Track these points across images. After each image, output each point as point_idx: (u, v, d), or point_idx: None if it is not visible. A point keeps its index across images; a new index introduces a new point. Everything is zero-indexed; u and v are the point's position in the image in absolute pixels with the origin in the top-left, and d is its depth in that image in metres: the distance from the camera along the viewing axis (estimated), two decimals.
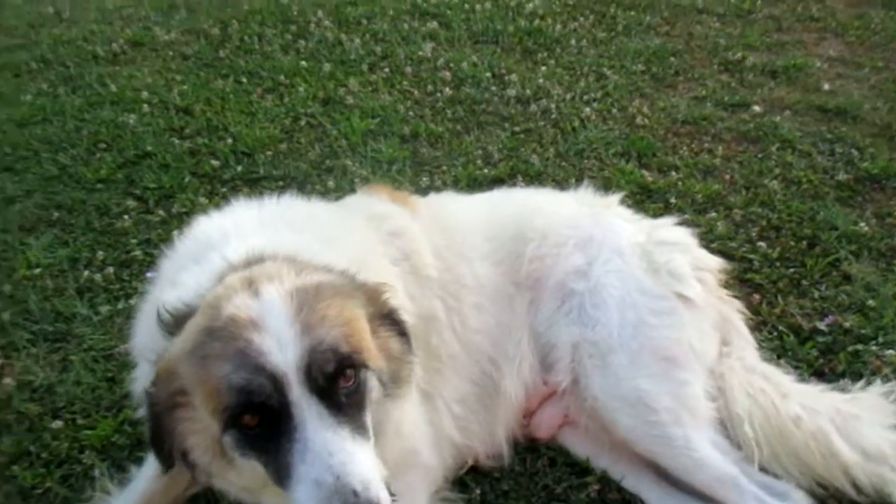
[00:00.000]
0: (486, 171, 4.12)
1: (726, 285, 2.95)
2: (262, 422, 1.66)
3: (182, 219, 3.72)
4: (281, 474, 1.66)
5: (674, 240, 2.81)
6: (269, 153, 4.25)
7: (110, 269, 3.40)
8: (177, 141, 4.34)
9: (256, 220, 2.24)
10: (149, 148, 4.25)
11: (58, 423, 2.68)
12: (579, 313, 2.60)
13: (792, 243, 3.65)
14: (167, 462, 1.87)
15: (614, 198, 3.03)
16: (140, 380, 2.16)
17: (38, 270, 3.40)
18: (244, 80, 5.03)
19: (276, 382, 1.63)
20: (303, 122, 4.57)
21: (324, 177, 4.06)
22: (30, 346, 3.04)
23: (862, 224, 3.78)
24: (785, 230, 3.74)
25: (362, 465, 1.63)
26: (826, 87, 5.12)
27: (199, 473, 1.88)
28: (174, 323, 1.84)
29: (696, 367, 2.54)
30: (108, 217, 3.75)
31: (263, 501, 2.02)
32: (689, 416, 2.44)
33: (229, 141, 4.31)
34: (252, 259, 1.92)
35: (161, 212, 3.79)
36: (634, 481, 2.53)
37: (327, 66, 5.21)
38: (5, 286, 3.33)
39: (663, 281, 2.64)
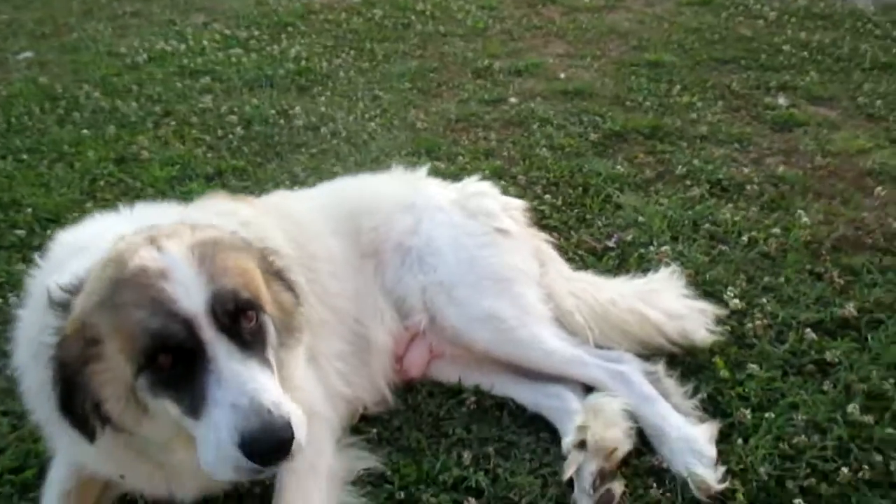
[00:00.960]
0: (297, 188, 4.39)
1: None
2: (175, 363, 1.85)
3: (1, 288, 3.59)
4: (196, 406, 1.84)
5: (481, 190, 3.32)
6: (76, 214, 4.19)
7: None
8: None
9: (124, 221, 2.36)
10: None
11: None
12: (420, 264, 3.00)
13: (570, 191, 4.32)
14: (84, 426, 1.94)
15: (422, 171, 3.47)
16: (31, 390, 2.19)
17: None
18: (25, 156, 4.88)
19: (188, 325, 1.83)
20: (101, 182, 4.55)
21: None
22: None
23: (619, 167, 4.57)
24: (562, 184, 4.41)
25: (272, 389, 1.87)
26: (562, 76, 6.04)
27: (114, 426, 1.96)
28: (70, 296, 1.94)
29: (526, 281, 3.03)
30: None
31: (171, 464, 2.14)
32: (531, 318, 2.91)
33: (28, 211, 4.19)
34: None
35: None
36: (500, 386, 2.94)
37: (111, 130, 5.21)
38: None
39: (481, 221, 3.13)
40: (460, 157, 4.70)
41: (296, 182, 4.49)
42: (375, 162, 4.70)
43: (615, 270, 3.56)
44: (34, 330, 2.08)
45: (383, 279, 3.01)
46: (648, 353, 2.96)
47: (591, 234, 3.93)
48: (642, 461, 2.59)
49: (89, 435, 1.96)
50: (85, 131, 5.17)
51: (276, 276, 2.19)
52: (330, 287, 2.86)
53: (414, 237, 3.05)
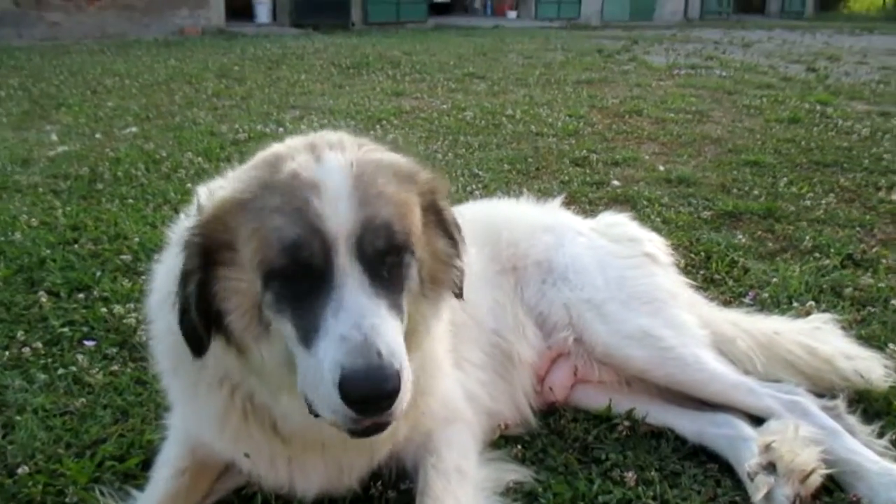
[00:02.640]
0: None
1: None
2: (303, 279, 1.65)
3: (108, 301, 3.44)
4: (308, 332, 1.63)
5: (621, 221, 3.14)
6: None
7: (38, 345, 3.03)
8: (76, 247, 4.08)
9: None
10: (46, 253, 3.95)
11: (24, 469, 2.28)
12: (564, 282, 2.78)
13: (692, 256, 4.11)
14: (198, 340, 1.76)
15: (556, 200, 3.32)
16: (158, 337, 2.02)
17: None
18: (131, 201, 4.89)
19: (325, 245, 1.64)
20: None
21: None
22: None
23: (739, 238, 4.36)
24: (682, 250, 4.19)
25: (392, 333, 1.63)
26: (661, 168, 5.98)
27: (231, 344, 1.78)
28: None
29: (679, 304, 2.79)
30: (18, 308, 3.37)
31: (279, 414, 1.94)
32: (692, 339, 2.65)
33: (136, 240, 4.13)
34: None
35: (81, 296, 3.49)
36: (658, 414, 2.62)
37: None
38: None
39: (627, 246, 2.94)
40: None
41: None
42: None
43: None
44: (168, 276, 1.92)
45: (523, 295, 2.78)
46: (817, 391, 2.64)
47: (721, 292, 3.67)
48: (835, 497, 2.21)
49: (199, 347, 1.77)
50: (189, 185, 5.20)
51: (439, 217, 1.94)
52: (469, 295, 2.65)
53: (556, 255, 2.83)
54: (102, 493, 2.19)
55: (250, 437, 1.97)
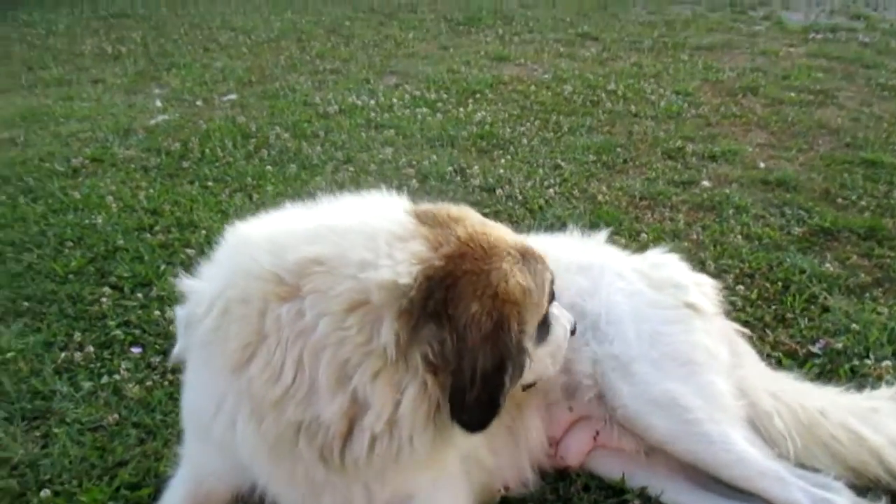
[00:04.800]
0: None
1: None
2: None
3: (163, 301, 3.60)
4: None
5: (668, 262, 2.91)
6: None
7: (90, 349, 3.21)
8: (148, 236, 4.27)
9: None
10: (119, 243, 4.15)
11: (46, 493, 2.43)
12: (594, 332, 2.59)
13: (767, 285, 3.79)
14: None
15: (600, 236, 3.12)
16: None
17: (10, 355, 3.18)
18: (211, 184, 5.05)
19: None
20: None
21: None
22: (6, 425, 2.79)
23: (828, 265, 3.98)
24: (758, 276, 3.89)
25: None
26: (762, 165, 5.52)
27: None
28: None
29: (717, 368, 2.56)
30: (83, 304, 3.58)
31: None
32: (722, 413, 2.43)
33: (203, 233, 4.27)
34: None
35: (139, 295, 3.66)
36: (674, 494, 2.47)
37: (292, 169, 5.31)
38: None
39: (669, 293, 2.71)
40: (643, 235, 4.29)
41: None
42: (550, 229, 4.41)
43: (818, 382, 2.98)
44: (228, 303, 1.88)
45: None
46: (860, 485, 2.39)
47: (790, 335, 3.38)
48: None
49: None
50: (269, 167, 5.30)
51: None
52: None
53: (590, 301, 2.65)
54: None
55: (293, 459, 1.93)
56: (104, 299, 3.58)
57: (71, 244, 4.14)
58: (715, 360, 2.59)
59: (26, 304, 3.57)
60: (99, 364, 3.15)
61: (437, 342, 1.79)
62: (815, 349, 3.25)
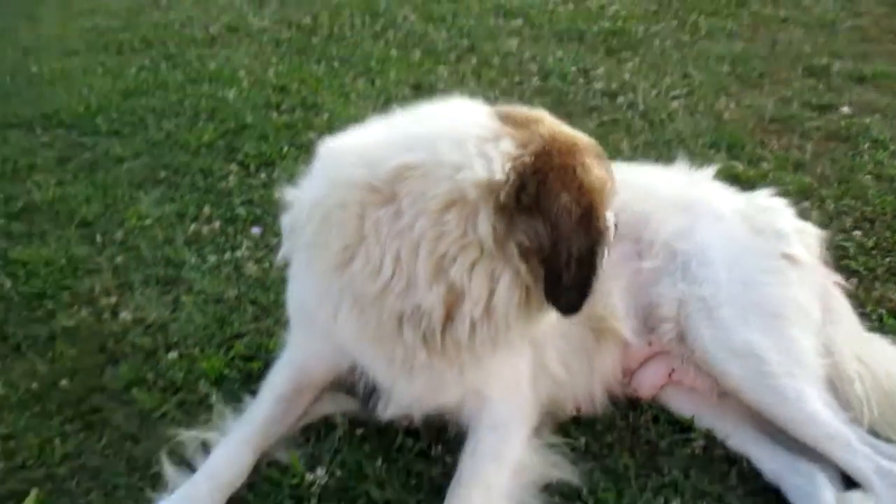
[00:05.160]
0: None
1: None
2: None
3: (283, 183, 3.83)
4: None
5: (773, 206, 2.84)
6: None
7: (216, 224, 3.53)
8: (274, 115, 4.50)
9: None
10: (248, 120, 4.41)
11: (173, 355, 2.79)
12: (684, 272, 2.59)
13: (888, 234, 3.61)
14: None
15: (709, 171, 3.04)
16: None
17: (148, 221, 3.54)
18: (336, 64, 5.18)
19: None
20: (394, 105, 4.67)
21: None
22: (143, 288, 3.17)
23: None
24: (879, 222, 3.70)
25: None
26: None
27: None
28: None
29: (805, 325, 2.52)
30: (212, 178, 3.89)
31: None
32: (801, 369, 2.42)
33: (325, 117, 4.45)
34: None
35: (262, 176, 3.93)
36: (740, 440, 2.51)
37: (416, 55, 5.35)
38: (118, 233, 3.48)
39: (768, 240, 2.65)
40: (764, 163, 4.13)
41: None
42: (667, 145, 4.31)
43: None
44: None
45: (637, 271, 2.66)
46: None
47: None
48: None
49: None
50: (393, 51, 5.36)
51: None
52: None
53: (685, 241, 2.64)
54: (224, 391, 2.66)
55: (394, 344, 2.13)
56: (231, 176, 3.87)
57: (205, 116, 4.44)
58: (804, 315, 2.56)
59: (163, 173, 3.92)
60: (223, 239, 3.46)
61: (531, 232, 1.97)
62: None
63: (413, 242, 1.96)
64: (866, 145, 4.38)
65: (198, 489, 2.22)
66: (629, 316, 2.66)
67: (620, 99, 4.82)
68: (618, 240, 2.56)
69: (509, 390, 2.39)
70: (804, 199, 3.85)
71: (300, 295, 2.38)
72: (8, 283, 3.15)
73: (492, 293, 2.00)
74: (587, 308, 2.23)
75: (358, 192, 2.00)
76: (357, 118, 4.34)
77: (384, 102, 4.68)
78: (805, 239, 2.75)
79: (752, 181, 3.98)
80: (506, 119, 2.12)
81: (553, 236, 1.97)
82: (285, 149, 4.14)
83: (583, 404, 2.62)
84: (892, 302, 3.19)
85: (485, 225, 1.94)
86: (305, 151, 4.15)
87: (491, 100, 4.63)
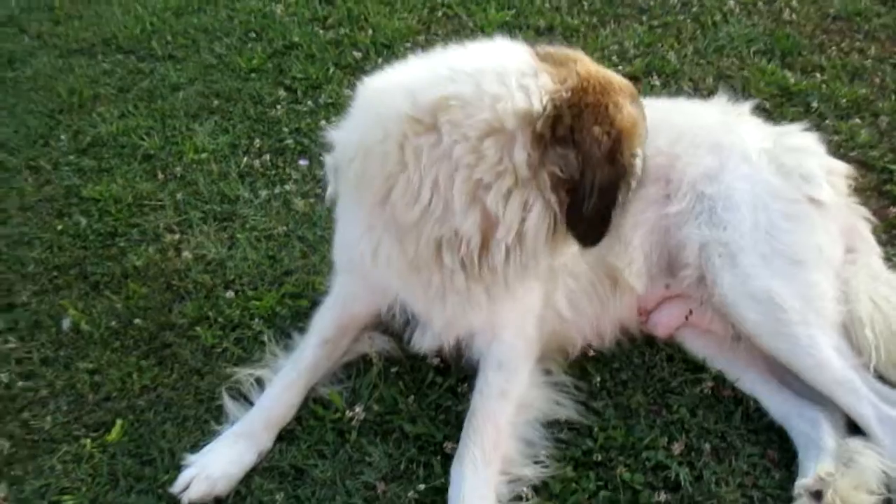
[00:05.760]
0: (620, 67, 4.10)
1: (862, 193, 3.02)
2: None
3: (329, 109, 3.97)
4: None
5: (803, 145, 2.83)
6: (408, 45, 4.39)
7: (266, 157, 3.73)
8: (321, 31, 4.55)
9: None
10: (295, 38, 4.48)
11: (230, 294, 3.08)
12: (710, 216, 2.66)
13: None
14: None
15: (746, 106, 3.01)
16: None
17: (204, 155, 3.77)
18: None
19: None
20: (440, 14, 4.65)
21: None
22: (201, 224, 3.44)
23: None
24: None
25: None
26: None
27: None
28: None
29: (825, 270, 2.59)
30: (262, 106, 4.05)
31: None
32: (816, 316, 2.51)
33: (370, 32, 4.47)
34: None
35: (309, 102, 4.05)
36: (749, 383, 2.66)
37: None
38: (177, 168, 3.73)
39: (794, 184, 2.68)
40: (818, 74, 3.98)
41: (624, 58, 4.19)
42: (718, 53, 4.18)
43: None
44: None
45: (663, 213, 2.74)
46: None
47: None
48: None
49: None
50: None
51: None
52: None
53: (712, 184, 2.70)
54: (276, 329, 2.95)
55: (432, 270, 2.31)
56: (280, 103, 4.01)
57: (254, 35, 4.53)
58: (825, 260, 2.62)
59: (216, 101, 4.09)
60: (273, 172, 3.67)
61: (563, 161, 2.12)
62: None
63: (451, 168, 2.11)
64: None
65: (253, 425, 2.54)
66: (650, 261, 2.79)
67: (672, 0, 4.62)
68: (647, 182, 2.66)
69: (517, 328, 2.57)
70: (856, 113, 3.75)
71: (345, 237, 2.56)
72: (83, 222, 3.47)
73: (523, 221, 2.16)
74: (605, 245, 2.40)
75: (399, 124, 2.13)
76: (401, 32, 4.42)
77: (429, 12, 4.65)
78: (833, 179, 2.76)
79: (804, 93, 3.88)
80: (545, 58, 2.24)
81: (581, 166, 2.11)
82: (331, 70, 4.22)
83: (592, 342, 2.79)
84: None
85: (521, 153, 2.09)
86: (350, 73, 4.24)
87: (538, 5, 4.58)
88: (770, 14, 4.48)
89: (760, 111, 3.74)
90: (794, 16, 4.44)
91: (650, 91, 3.88)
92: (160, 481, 2.44)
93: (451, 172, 2.10)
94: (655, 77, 4.01)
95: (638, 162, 2.28)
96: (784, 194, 2.66)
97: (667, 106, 3.01)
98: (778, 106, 3.80)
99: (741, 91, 3.88)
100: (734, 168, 2.72)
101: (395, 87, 2.21)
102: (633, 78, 4.03)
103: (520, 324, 2.59)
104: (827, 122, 3.69)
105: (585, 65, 2.25)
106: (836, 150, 3.52)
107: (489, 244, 2.21)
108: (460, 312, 2.44)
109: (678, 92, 3.92)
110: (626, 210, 2.42)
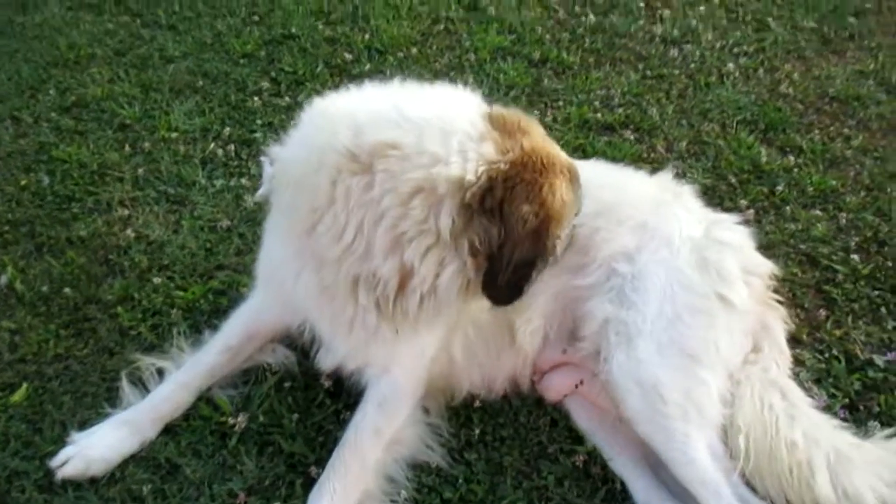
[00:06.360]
0: (600, 115, 4.11)
1: (800, 290, 3.10)
2: None
3: (305, 109, 4.03)
4: None
5: (729, 239, 2.82)
6: (401, 55, 4.43)
7: (232, 147, 3.82)
8: (320, 26, 4.61)
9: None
10: (294, 29, 4.54)
11: (158, 279, 3.19)
12: (618, 293, 2.68)
13: (889, 264, 3.45)
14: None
15: (687, 188, 3.02)
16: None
17: (175, 134, 3.88)
18: None
19: None
20: (441, 27, 4.67)
21: None
22: (153, 204, 3.55)
23: None
24: (889, 247, 3.53)
25: None
26: None
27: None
28: None
29: (717, 370, 2.60)
30: (244, 93, 4.14)
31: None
32: (697, 414, 2.53)
33: (367, 35, 4.52)
34: None
35: (288, 98, 4.13)
36: (622, 465, 2.68)
37: None
38: (147, 143, 3.85)
39: (709, 279, 2.68)
40: (793, 156, 3.92)
41: (606, 106, 4.17)
42: (701, 116, 4.15)
43: (852, 397, 2.88)
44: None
45: (572, 283, 2.77)
46: None
47: (867, 333, 3.14)
48: None
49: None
50: None
51: None
52: None
53: (626, 264, 2.72)
54: (192, 322, 3.06)
55: (345, 304, 2.38)
56: (260, 95, 4.10)
57: (256, 19, 4.61)
58: (722, 360, 2.62)
59: (202, 81, 4.19)
60: (234, 163, 3.76)
61: (485, 232, 2.17)
62: (878, 360, 3.06)
63: (377, 215, 2.15)
64: None
65: (140, 415, 2.66)
66: (549, 325, 2.83)
67: (674, 52, 4.57)
68: (566, 252, 2.72)
69: (409, 368, 2.63)
70: (819, 204, 3.71)
71: (269, 253, 2.65)
72: (46, 181, 3.61)
73: (437, 276, 2.22)
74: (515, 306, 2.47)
75: (336, 157, 2.16)
76: (397, 40, 4.46)
77: (430, 24, 4.68)
78: (751, 279, 2.76)
79: (773, 174, 3.84)
80: (496, 122, 2.25)
81: (502, 240, 2.16)
82: (319, 68, 4.29)
83: (481, 391, 2.84)
84: (852, 344, 3.13)
85: (446, 218, 2.13)
86: (337, 74, 4.30)
87: (539, 34, 4.57)
88: (768, 83, 4.40)
89: (726, 185, 3.78)
90: (791, 89, 4.37)
91: (621, 145, 3.88)
92: (44, 451, 2.57)
93: (377, 219, 2.15)
94: (631, 131, 4.00)
95: (560, 244, 2.32)
96: (695, 288, 2.67)
97: (605, 175, 3.03)
98: (744, 182, 3.77)
99: (713, 160, 3.87)
100: (653, 251, 2.74)
101: (341, 117, 2.24)
102: (609, 128, 4.05)
103: (412, 364, 2.65)
104: (787, 208, 3.65)
105: (533, 138, 2.27)
106: (787, 240, 3.51)
107: (406, 288, 2.27)
108: (363, 346, 2.52)
109: (650, 150, 3.92)
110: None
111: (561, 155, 2.33)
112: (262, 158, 2.65)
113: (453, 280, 2.22)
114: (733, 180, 3.75)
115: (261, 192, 2.66)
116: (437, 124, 2.16)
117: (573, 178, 2.34)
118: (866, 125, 4.20)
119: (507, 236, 2.15)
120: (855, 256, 3.46)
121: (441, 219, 2.12)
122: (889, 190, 3.79)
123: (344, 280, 2.29)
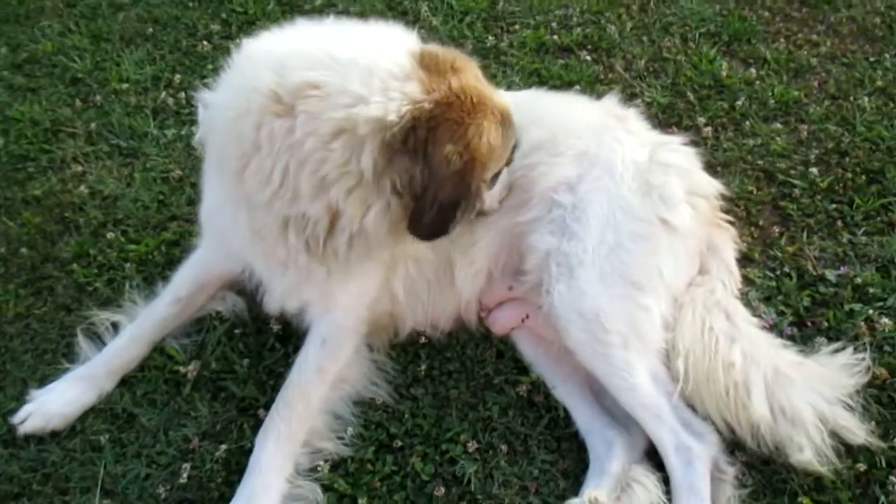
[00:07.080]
0: (557, 36, 3.99)
1: (756, 206, 3.07)
2: None
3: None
4: None
5: (674, 161, 2.80)
6: None
7: (182, 95, 3.79)
8: None
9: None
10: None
11: (112, 234, 3.23)
12: (560, 225, 2.68)
13: (849, 175, 3.39)
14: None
15: (632, 111, 2.96)
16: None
17: (125, 86, 3.85)
18: None
19: None
20: None
21: (397, 20, 4.09)
22: (106, 158, 3.57)
23: None
24: (850, 158, 3.46)
25: None
26: None
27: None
28: None
29: (660, 295, 2.62)
30: (194, 38, 4.08)
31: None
32: (638, 341, 2.56)
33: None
34: None
35: (239, 40, 4.04)
36: (565, 393, 2.73)
37: None
38: (98, 96, 3.84)
39: (651, 204, 2.67)
40: (756, 68, 3.80)
41: (564, 27, 4.05)
42: (662, 31, 4.01)
43: (801, 314, 2.89)
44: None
45: (515, 220, 2.76)
46: (730, 440, 2.52)
47: (821, 248, 3.12)
48: None
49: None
50: None
51: None
52: None
53: (567, 194, 2.70)
54: (146, 274, 3.11)
55: (277, 245, 2.42)
56: (211, 39, 4.03)
57: None
58: (663, 285, 2.63)
59: (151, 28, 4.13)
60: (186, 111, 3.74)
61: (407, 173, 2.18)
62: (830, 275, 3.03)
63: (301, 159, 2.16)
64: (894, 52, 3.90)
65: (96, 369, 2.76)
66: (494, 264, 2.83)
67: None
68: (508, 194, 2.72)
69: (349, 307, 2.67)
70: (781, 117, 3.62)
71: (208, 202, 2.69)
72: (0, 142, 3.63)
73: (364, 216, 2.24)
74: (454, 240, 2.53)
75: (261, 99, 2.16)
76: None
77: None
78: (696, 200, 2.75)
79: (734, 88, 3.74)
80: (427, 61, 2.21)
81: (426, 180, 2.16)
82: (270, 6, 4.20)
83: (426, 328, 2.88)
84: (805, 260, 3.11)
85: (367, 159, 2.13)
86: (289, 12, 4.20)
87: None
88: None
89: (685, 103, 3.70)
90: None
91: (577, 67, 3.79)
92: (7, 408, 2.68)
93: (301, 162, 2.15)
94: (588, 51, 3.89)
95: (486, 186, 2.31)
96: (637, 213, 2.66)
97: (546, 106, 2.98)
98: (703, 99, 3.67)
99: (672, 76, 3.77)
100: (594, 179, 2.72)
101: (268, 57, 2.23)
102: (567, 49, 3.95)
103: (352, 303, 2.69)
104: (747, 122, 3.57)
105: (464, 78, 2.21)
106: (745, 156, 3.45)
107: (335, 228, 2.30)
108: (297, 286, 2.58)
109: (608, 71, 3.82)
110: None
111: (494, 96, 2.28)
112: (197, 103, 2.63)
113: (380, 220, 2.24)
114: (692, 97, 3.66)
115: (196, 137, 2.66)
116: (362, 63, 2.13)
117: (505, 121, 2.29)
118: (836, 30, 4.04)
119: (431, 177, 2.13)
120: (814, 170, 3.39)
121: (362, 160, 2.12)
122: (854, 98, 3.68)
123: (274, 222, 2.32)
